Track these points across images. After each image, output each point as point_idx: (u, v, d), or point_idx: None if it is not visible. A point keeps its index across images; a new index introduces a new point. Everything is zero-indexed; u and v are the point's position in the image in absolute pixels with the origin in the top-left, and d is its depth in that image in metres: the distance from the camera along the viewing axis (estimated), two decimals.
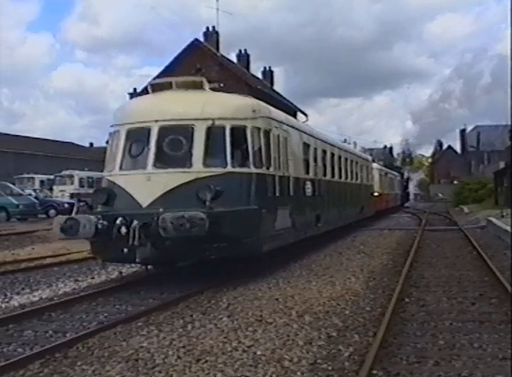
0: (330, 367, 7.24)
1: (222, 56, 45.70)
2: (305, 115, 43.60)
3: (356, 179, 29.24)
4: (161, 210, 11.79)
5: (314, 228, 18.95)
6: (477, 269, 15.00)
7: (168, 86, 14.13)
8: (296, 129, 17.55)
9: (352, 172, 27.72)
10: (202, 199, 12.07)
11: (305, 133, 18.76)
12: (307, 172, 18.38)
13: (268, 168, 14.02)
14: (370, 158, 39.05)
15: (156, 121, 13.12)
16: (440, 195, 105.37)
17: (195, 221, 11.37)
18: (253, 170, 13.33)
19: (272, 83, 54.77)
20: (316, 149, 19.95)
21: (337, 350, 7.98)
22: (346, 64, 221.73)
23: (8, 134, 70.53)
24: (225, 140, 13.10)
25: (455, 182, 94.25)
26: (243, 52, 51.14)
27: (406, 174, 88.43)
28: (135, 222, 11.69)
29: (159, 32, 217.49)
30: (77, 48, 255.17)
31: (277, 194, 14.46)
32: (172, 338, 8.70)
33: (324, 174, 21.15)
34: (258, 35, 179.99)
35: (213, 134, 13.13)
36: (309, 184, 18.09)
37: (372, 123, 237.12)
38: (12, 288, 12.96)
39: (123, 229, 11.71)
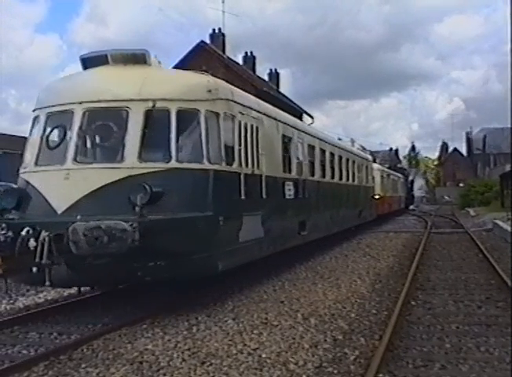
0: (335, 371, 7.20)
1: (228, 58, 45.68)
2: (311, 117, 43.59)
3: (354, 180, 26.33)
4: (78, 217, 9.39)
5: (297, 236, 16.11)
6: (483, 272, 14.94)
7: (103, 61, 11.27)
8: (273, 118, 14.58)
9: (348, 172, 24.87)
10: (134, 203, 9.53)
11: (286, 123, 15.79)
12: (288, 170, 15.62)
13: (229, 164, 11.26)
14: (370, 157, 35.74)
15: (80, 103, 10.52)
16: (446, 197, 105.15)
17: (114, 234, 8.96)
18: (207, 165, 10.54)
19: (278, 85, 54.68)
20: (300, 144, 17.10)
21: (343, 353, 7.94)
22: (354, 65, 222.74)
23: (14, 136, 70.64)
24: (170, 127, 10.40)
25: (461, 185, 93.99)
26: (249, 54, 51.09)
27: (411, 176, 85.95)
28: (43, 234, 9.19)
29: (166, 34, 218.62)
30: (84, 49, 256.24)
31: (243, 197, 11.68)
32: (177, 340, 8.67)
33: (312, 174, 18.33)
34: (266, 37, 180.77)
35: (154, 119, 10.50)
36: (290, 185, 15.40)
37: (379, 125, 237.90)
38: (17, 290, 12.95)
39: (32, 242, 9.18)
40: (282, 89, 56.55)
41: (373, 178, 33.83)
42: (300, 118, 37.78)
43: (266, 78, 54.02)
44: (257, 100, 14.09)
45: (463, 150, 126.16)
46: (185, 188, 10.31)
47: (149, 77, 10.99)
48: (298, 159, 16.54)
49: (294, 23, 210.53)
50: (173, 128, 10.39)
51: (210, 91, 11.02)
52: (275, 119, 14.74)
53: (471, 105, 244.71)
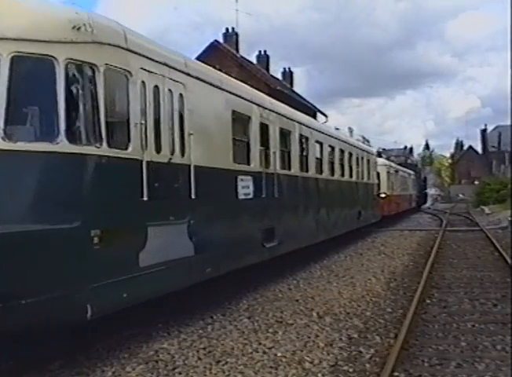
0: (351, 369, 7.19)
1: (242, 57, 45.72)
2: (325, 115, 43.53)
3: (351, 175, 22.56)
4: None
5: (260, 250, 12.40)
6: (498, 270, 14.86)
7: None
8: (216, 86, 10.74)
9: (343, 166, 21.14)
10: None
11: (240, 97, 11.87)
12: (245, 161, 12.03)
13: (119, 146, 7.62)
14: (374, 150, 31.77)
15: None
16: (460, 195, 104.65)
17: None
18: (67, 147, 6.91)
19: (291, 84, 54.66)
20: (265, 126, 13.14)
21: (358, 352, 7.93)
22: (369, 63, 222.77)
23: None
24: None
25: (476, 182, 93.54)
26: (262, 53, 51.12)
27: (423, 174, 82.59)
28: None
29: (182, 33, 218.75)
30: None
31: (146, 198, 7.90)
32: (192, 339, 8.69)
33: (287, 167, 14.59)
34: (282, 36, 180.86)
35: None
36: (247, 181, 11.75)
37: (394, 123, 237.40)
38: None
39: None
40: (297, 88, 56.55)
41: (378, 174, 30.80)
42: (314, 116, 37.76)
43: (280, 77, 54.02)
44: (188, 57, 10.27)
45: (478, 148, 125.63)
46: (23, 183, 6.73)
47: None
48: (263, 146, 12.81)
49: (310, 21, 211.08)
50: (3, 85, 6.73)
51: (77, 28, 7.21)
52: (219, 88, 10.84)
53: (487, 103, 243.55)
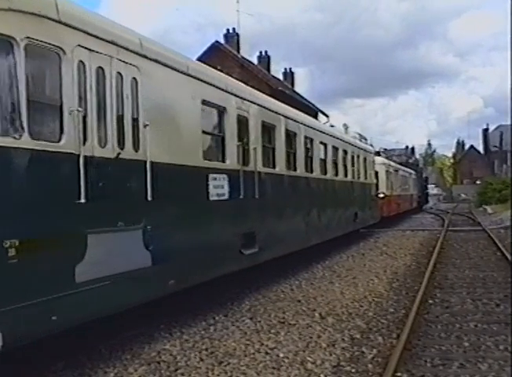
0: (353, 370, 7.18)
1: (243, 57, 45.74)
2: (326, 116, 43.63)
3: (346, 175, 21.12)
4: None
5: (237, 258, 11.19)
6: (501, 270, 14.83)
7: None
8: (181, 72, 9.34)
9: (336, 164, 19.72)
10: None
11: (212, 85, 10.46)
12: (219, 157, 10.78)
13: (46, 138, 6.46)
14: (372, 149, 30.28)
15: None
16: (462, 195, 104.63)
17: None
18: None
19: (293, 84, 54.66)
20: (244, 119, 11.83)
21: (360, 352, 7.92)
22: (372, 63, 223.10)
23: None
24: None
25: (478, 182, 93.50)
26: (263, 53, 51.15)
27: (424, 173, 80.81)
28: None
29: (184, 33, 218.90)
30: None
31: (83, 200, 6.69)
32: (194, 340, 8.68)
33: (271, 164, 13.39)
34: (285, 36, 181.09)
35: None
36: (222, 180, 10.57)
37: (396, 124, 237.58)
38: None
39: None
40: (299, 88, 56.71)
41: (376, 174, 29.70)
42: (315, 117, 37.75)
43: (281, 77, 54.03)
44: (144, 37, 8.65)
45: (480, 147, 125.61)
46: None
47: None
48: (241, 141, 11.51)
49: (313, 22, 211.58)
50: None
51: None
52: (186, 74, 9.48)
53: (490, 103, 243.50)
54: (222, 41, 45.50)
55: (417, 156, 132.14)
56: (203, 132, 10.03)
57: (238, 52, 45.32)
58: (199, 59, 43.39)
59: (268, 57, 51.13)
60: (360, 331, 9.08)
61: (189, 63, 9.91)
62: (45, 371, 7.34)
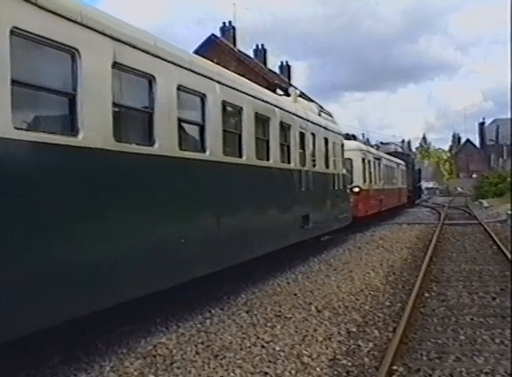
0: (349, 363, 7.18)
1: (240, 51, 45.66)
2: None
3: (289, 160, 14.42)
4: None
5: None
6: (497, 264, 14.85)
7: None
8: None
9: (268, 144, 13.05)
10: None
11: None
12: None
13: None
14: (339, 129, 22.34)
15: None
16: (459, 189, 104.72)
17: None
18: None
19: (289, 78, 54.58)
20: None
21: (356, 346, 7.92)
22: (372, 57, 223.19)
23: None
24: None
25: (475, 176, 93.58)
26: (260, 47, 51.06)
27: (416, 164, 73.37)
28: None
29: (185, 27, 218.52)
30: None
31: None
32: (191, 334, 8.67)
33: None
34: (285, 30, 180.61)
35: None
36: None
37: (395, 117, 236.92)
38: None
39: None
40: (298, 82, 56.73)
41: (350, 162, 24.97)
42: None
43: (277, 71, 53.98)
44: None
45: (476, 141, 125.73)
46: None
47: None
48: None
49: (314, 15, 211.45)
50: None
51: None
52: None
53: (489, 96, 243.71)
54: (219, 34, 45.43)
55: (413, 150, 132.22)
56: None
57: (234, 45, 45.24)
58: (196, 52, 43.32)
59: (265, 51, 51.08)
60: (357, 324, 9.08)
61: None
62: (42, 365, 7.32)
